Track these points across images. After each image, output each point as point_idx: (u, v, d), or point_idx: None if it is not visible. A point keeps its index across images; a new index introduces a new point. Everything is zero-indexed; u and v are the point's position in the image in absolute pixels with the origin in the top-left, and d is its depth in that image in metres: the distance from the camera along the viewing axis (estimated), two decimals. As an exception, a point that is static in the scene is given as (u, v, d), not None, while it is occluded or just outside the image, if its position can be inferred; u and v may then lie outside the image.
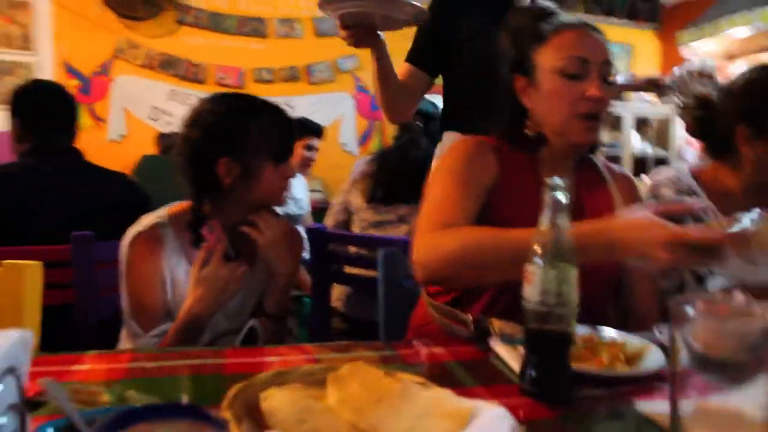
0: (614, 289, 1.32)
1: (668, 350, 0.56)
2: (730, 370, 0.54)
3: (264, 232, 1.29)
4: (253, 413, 0.61)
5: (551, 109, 1.21)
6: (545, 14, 1.26)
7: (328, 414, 0.61)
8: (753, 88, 1.41)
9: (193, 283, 1.20)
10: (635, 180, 1.43)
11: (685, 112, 1.56)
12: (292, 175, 1.35)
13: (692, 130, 1.55)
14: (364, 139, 4.98)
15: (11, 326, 1.05)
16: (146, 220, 1.29)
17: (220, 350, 0.95)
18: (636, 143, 4.77)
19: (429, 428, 0.61)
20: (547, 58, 1.21)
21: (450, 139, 1.83)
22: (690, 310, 0.57)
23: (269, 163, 1.30)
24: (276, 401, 0.61)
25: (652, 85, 1.96)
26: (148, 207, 1.53)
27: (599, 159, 1.41)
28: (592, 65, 1.18)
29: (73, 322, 1.36)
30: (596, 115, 1.19)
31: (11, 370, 0.51)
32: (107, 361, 0.87)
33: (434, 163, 1.39)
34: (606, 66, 1.20)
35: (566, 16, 1.26)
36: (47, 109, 1.74)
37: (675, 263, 0.92)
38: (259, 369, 0.86)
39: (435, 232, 1.12)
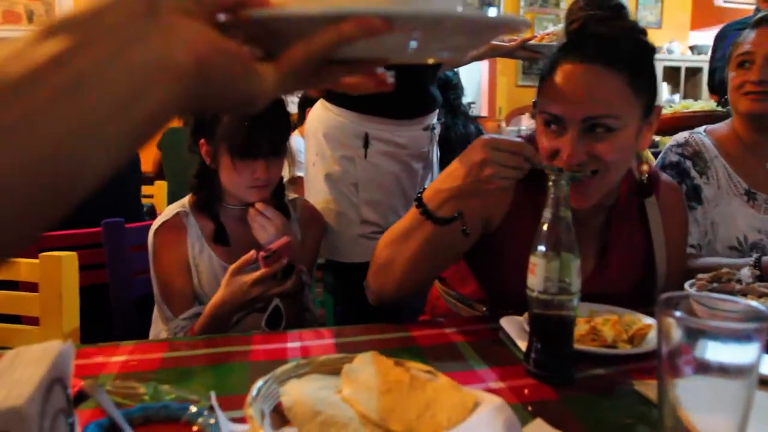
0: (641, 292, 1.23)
1: (658, 332, 0.59)
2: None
3: (260, 231, 1.29)
4: (277, 407, 0.68)
5: None
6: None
7: (342, 406, 0.67)
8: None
9: (224, 282, 1.19)
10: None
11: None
12: (261, 175, 1.29)
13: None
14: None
15: (52, 313, 1.14)
16: (169, 209, 1.35)
17: (246, 336, 1.02)
18: (665, 94, 4.72)
19: (434, 418, 0.66)
20: None
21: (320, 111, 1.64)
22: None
23: (227, 156, 1.29)
24: (293, 395, 0.66)
25: (522, 49, 1.89)
26: None
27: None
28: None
29: (109, 301, 1.45)
30: None
31: (59, 380, 0.58)
32: (142, 351, 0.94)
33: None
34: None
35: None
36: None
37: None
38: (282, 355, 0.93)
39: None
